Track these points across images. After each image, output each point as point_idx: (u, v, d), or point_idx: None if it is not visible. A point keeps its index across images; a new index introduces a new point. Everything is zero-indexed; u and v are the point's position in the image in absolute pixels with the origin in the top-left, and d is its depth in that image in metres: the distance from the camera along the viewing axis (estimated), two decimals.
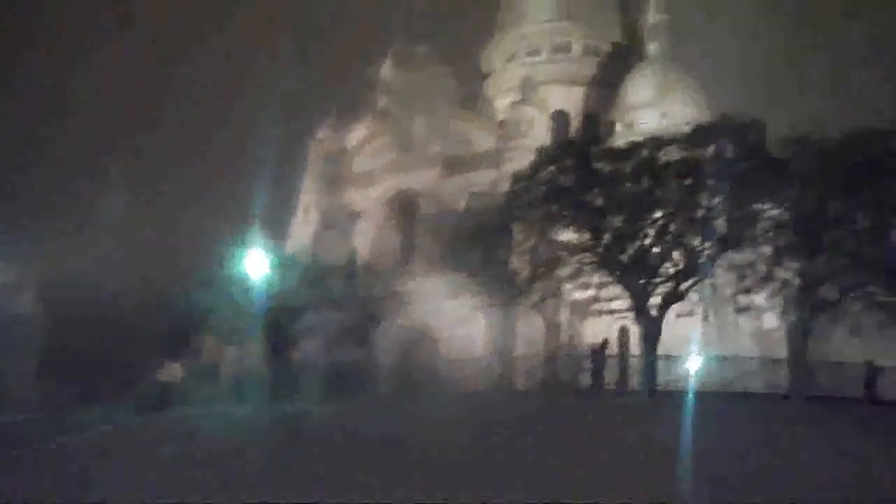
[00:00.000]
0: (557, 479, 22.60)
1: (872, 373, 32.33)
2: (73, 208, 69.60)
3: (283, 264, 41.80)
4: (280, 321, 41.28)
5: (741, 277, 32.97)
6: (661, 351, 33.89)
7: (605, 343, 36.50)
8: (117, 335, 49.01)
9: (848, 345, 34.29)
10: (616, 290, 36.49)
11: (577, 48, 65.07)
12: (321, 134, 62.62)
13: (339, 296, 46.26)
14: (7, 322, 57.96)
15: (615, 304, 39.43)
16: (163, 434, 35.51)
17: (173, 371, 49.90)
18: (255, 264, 37.12)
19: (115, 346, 50.08)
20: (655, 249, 33.66)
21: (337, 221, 59.01)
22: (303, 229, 58.87)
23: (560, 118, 61.04)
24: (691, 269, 33.20)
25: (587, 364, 42.85)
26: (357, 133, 63.24)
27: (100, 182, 71.69)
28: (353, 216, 59.12)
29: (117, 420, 39.98)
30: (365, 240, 57.35)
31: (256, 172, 50.66)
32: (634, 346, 41.37)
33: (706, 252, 32.85)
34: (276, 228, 54.81)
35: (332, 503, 22.25)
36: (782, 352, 41.03)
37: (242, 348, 48.32)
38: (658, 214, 33.51)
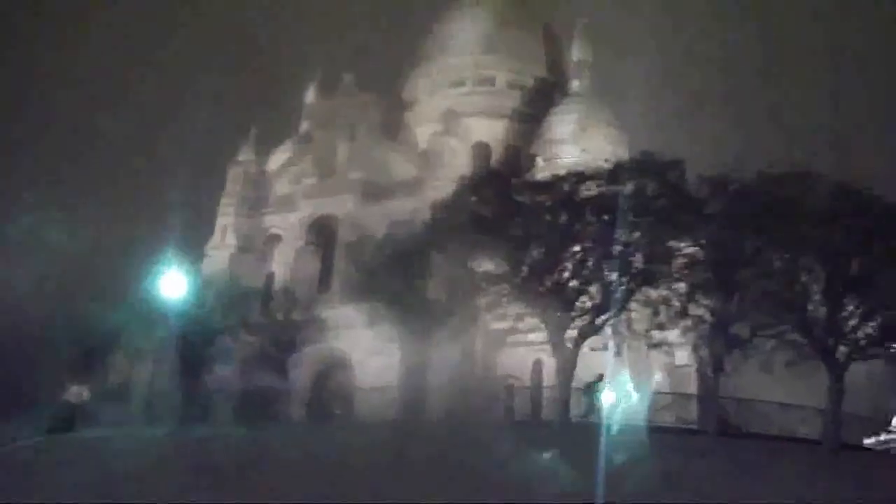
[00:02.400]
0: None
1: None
2: None
3: (199, 286, 41.30)
4: (193, 343, 40.65)
5: (655, 313, 33.33)
6: (574, 383, 34.10)
7: (600, 377, 36.36)
8: (24, 354, 47.79)
9: (758, 382, 34.85)
10: (533, 321, 36.66)
11: (501, 81, 65.50)
12: (241, 156, 62.09)
13: (254, 320, 45.82)
14: None
15: (532, 336, 39.65)
16: (66, 455, 34.71)
17: (80, 391, 48.78)
18: (170, 284, 36.62)
19: (21, 365, 48.82)
20: (573, 283, 33.94)
21: (255, 245, 58.52)
22: (219, 252, 58.08)
23: (482, 150, 61.22)
24: (607, 304, 33.50)
25: (502, 395, 43.26)
26: (278, 157, 62.95)
27: (9, 198, 70.14)
28: (272, 240, 58.69)
29: (21, 440, 38.96)
30: (283, 264, 56.90)
31: (173, 192, 50.07)
32: (548, 377, 41.74)
33: (622, 287, 33.19)
34: (192, 250, 54.04)
35: None
36: (693, 387, 41.85)
37: (154, 369, 47.54)
38: (576, 248, 33.84)
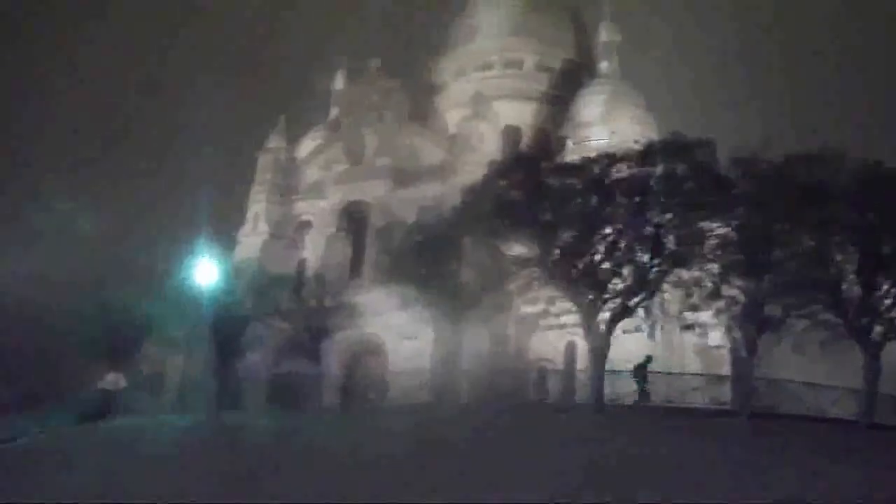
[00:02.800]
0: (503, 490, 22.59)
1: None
2: (15, 213, 68.56)
3: (231, 273, 41.52)
4: (226, 331, 40.86)
5: (688, 295, 33.17)
6: (607, 366, 34.07)
7: (648, 359, 36.47)
8: (59, 342, 48.22)
9: (791, 362, 34.70)
10: (565, 304, 36.61)
11: (529, 64, 65.26)
12: (271, 143, 62.33)
13: (286, 306, 46.01)
14: None
15: (564, 319, 39.64)
16: (101, 442, 35.03)
17: (116, 379, 49.20)
18: (203, 273, 36.90)
19: (56, 354, 49.29)
20: (605, 265, 33.83)
21: (286, 232, 58.81)
22: (251, 239, 58.43)
23: (511, 133, 61.19)
24: (639, 286, 33.39)
25: (534, 378, 43.33)
26: (307, 144, 63.16)
27: (44, 187, 70.78)
28: (303, 227, 58.95)
29: (56, 427, 39.36)
30: (314, 250, 57.17)
31: (204, 180, 50.34)
32: (581, 361, 41.76)
33: (654, 269, 33.09)
34: (225, 237, 54.38)
35: None
36: (726, 369, 41.67)
37: (187, 358, 47.89)
38: (608, 230, 33.70)
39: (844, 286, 30.96)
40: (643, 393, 35.99)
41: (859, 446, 26.83)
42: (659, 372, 37.47)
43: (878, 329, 30.96)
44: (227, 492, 25.20)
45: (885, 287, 30.90)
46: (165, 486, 26.73)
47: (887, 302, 30.92)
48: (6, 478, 31.14)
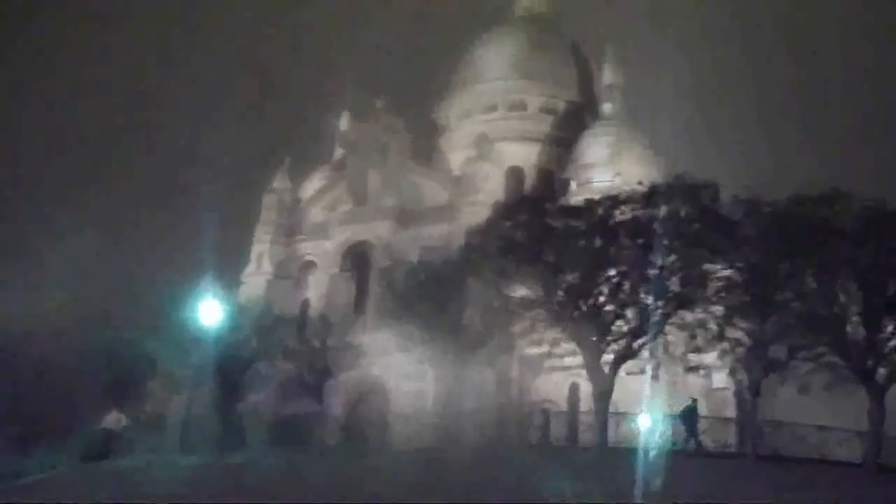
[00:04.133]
0: None
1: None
2: (19, 250, 68.72)
3: (235, 313, 41.52)
4: (230, 370, 40.82)
5: (692, 336, 33.11)
6: (611, 408, 33.97)
7: (694, 402, 35.88)
8: (61, 381, 48.20)
9: (796, 404, 34.57)
10: (569, 346, 36.54)
11: (532, 106, 65.73)
12: (276, 183, 62.62)
13: (290, 346, 45.98)
14: None
15: (567, 361, 39.54)
16: (103, 483, 34.86)
17: (118, 418, 49.02)
18: (206, 312, 36.85)
19: (58, 392, 49.22)
20: (608, 307, 33.81)
21: (290, 272, 58.95)
22: (255, 278, 58.61)
23: (515, 174, 61.58)
24: (643, 328, 33.34)
25: (538, 420, 43.14)
26: (312, 184, 63.47)
27: (49, 226, 70.99)
28: (307, 266, 59.08)
29: (58, 467, 39.22)
30: (318, 290, 57.30)
31: (208, 220, 50.46)
32: (585, 402, 41.59)
33: (658, 311, 33.04)
34: (229, 277, 54.48)
35: None
36: (731, 411, 41.50)
37: (191, 397, 47.74)
38: (612, 272, 33.71)
39: (849, 328, 30.87)
40: (696, 440, 34.70)
41: (864, 489, 26.72)
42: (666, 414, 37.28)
43: (882, 371, 30.85)
44: None
45: (890, 329, 30.81)
46: None
47: (892, 344, 30.80)
48: None
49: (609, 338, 33.94)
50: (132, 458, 39.10)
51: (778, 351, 32.06)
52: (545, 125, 65.05)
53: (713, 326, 32.55)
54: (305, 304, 57.18)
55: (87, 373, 44.75)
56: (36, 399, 51.29)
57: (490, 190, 54.15)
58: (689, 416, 35.04)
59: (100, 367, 43.98)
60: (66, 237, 65.02)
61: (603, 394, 33.37)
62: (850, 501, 23.95)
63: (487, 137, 58.84)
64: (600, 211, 34.32)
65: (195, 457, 37.47)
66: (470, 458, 33.32)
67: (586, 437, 36.43)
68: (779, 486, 25.56)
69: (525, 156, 63.03)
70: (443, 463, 32.13)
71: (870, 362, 30.69)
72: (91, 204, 79.54)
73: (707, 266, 32.50)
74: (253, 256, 60.02)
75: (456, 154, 62.32)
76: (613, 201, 34.33)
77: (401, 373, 47.18)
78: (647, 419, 36.50)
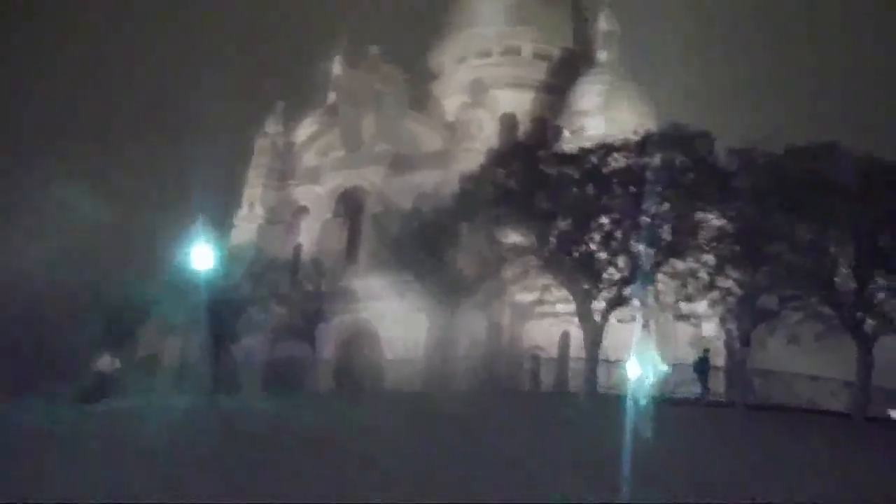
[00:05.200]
0: (493, 479, 22.71)
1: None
2: (15, 199, 68.57)
3: (227, 257, 41.57)
4: (223, 314, 40.92)
5: (683, 285, 33.27)
6: (601, 355, 34.19)
7: (706, 352, 35.76)
8: (55, 325, 48.34)
9: (785, 354, 34.82)
10: (560, 293, 36.69)
11: (527, 52, 65.24)
12: (268, 128, 62.34)
13: (283, 291, 46.08)
14: None
15: (559, 308, 39.71)
16: (99, 425, 35.10)
17: (111, 362, 49.24)
18: (199, 256, 36.89)
19: (52, 337, 49.39)
20: (600, 254, 33.91)
21: (282, 217, 58.90)
22: (247, 224, 58.54)
23: (509, 121, 61.24)
24: (634, 276, 33.46)
25: (528, 366, 43.49)
26: (305, 129, 63.14)
27: (44, 173, 70.69)
28: (299, 212, 59.01)
29: (53, 409, 39.43)
30: (310, 236, 57.26)
31: (201, 164, 50.28)
32: (575, 349, 41.87)
33: (650, 259, 33.15)
34: (221, 222, 54.45)
35: None
36: (720, 360, 41.80)
37: (183, 341, 47.99)
38: (604, 220, 33.79)
39: (839, 279, 31.06)
40: (706, 388, 34.83)
41: (850, 439, 27.02)
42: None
43: (871, 322, 31.08)
44: (225, 473, 25.32)
45: (880, 281, 31.00)
46: (163, 467, 26.84)
47: (881, 296, 31.03)
48: (5, 461, 31.23)
49: (600, 285, 34.09)
50: (126, 401, 39.35)
51: (768, 301, 32.27)
52: (539, 72, 64.60)
53: (704, 276, 32.74)
54: (298, 249, 57.17)
55: (81, 317, 44.79)
56: (31, 345, 51.48)
57: (483, 136, 53.93)
58: (701, 366, 35.15)
59: (92, 311, 44.06)
60: (60, 186, 64.73)
61: (594, 341, 33.58)
62: (838, 450, 24.18)
63: (482, 83, 58.46)
64: (593, 159, 34.33)
65: (188, 400, 37.73)
66: (460, 403, 33.63)
67: (576, 383, 36.66)
68: (766, 435, 25.83)
69: (519, 102, 62.67)
70: (433, 407, 32.41)
71: (859, 314, 30.92)
72: (84, 154, 79.12)
73: (699, 215, 32.58)
74: (245, 201, 59.90)
75: (450, 100, 61.97)
76: (607, 149, 34.34)
77: (393, 318, 47.28)
78: (637, 367, 36.76)
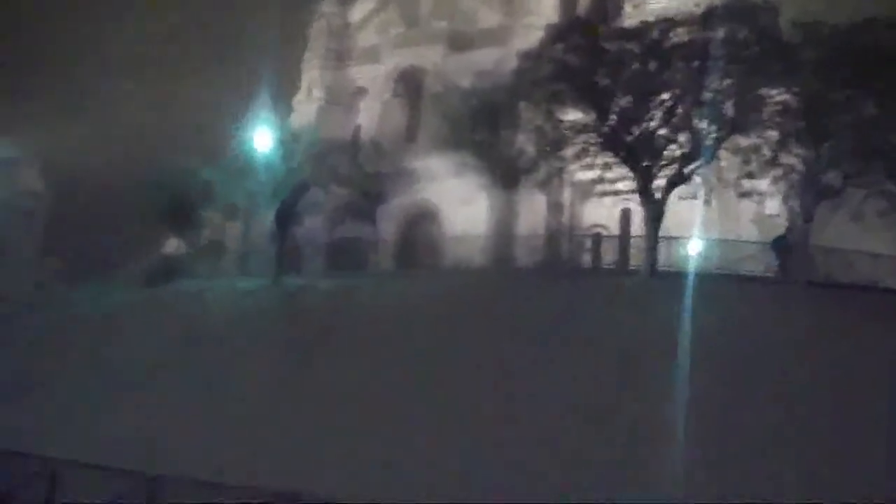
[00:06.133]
0: (558, 356, 23.11)
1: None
2: (76, 86, 69.14)
3: (288, 140, 41.82)
4: (284, 196, 41.36)
5: (745, 162, 32.82)
6: (662, 233, 34.11)
7: (788, 231, 35.88)
8: (121, 210, 49.20)
9: (847, 231, 34.44)
10: (620, 171, 36.39)
11: None
12: (324, 8, 61.77)
13: (343, 172, 46.34)
14: (9, 197, 58.23)
15: (619, 186, 39.48)
16: (171, 305, 36.09)
17: (177, 245, 50.27)
18: (260, 139, 37.24)
19: (119, 222, 50.36)
20: (661, 131, 33.46)
21: (341, 98, 58.78)
22: (306, 106, 58.55)
23: None
24: (696, 152, 33.08)
25: (589, 244, 43.60)
26: (361, 7, 62.41)
27: (101, 59, 71.13)
28: (358, 92, 58.83)
29: (123, 293, 40.53)
30: (369, 116, 57.18)
31: (259, 47, 50.20)
32: (636, 227, 41.81)
33: (712, 135, 32.71)
34: (280, 105, 54.53)
35: None
36: None
37: (246, 223, 48.71)
38: (665, 96, 33.21)
39: None
40: (784, 267, 34.69)
41: None
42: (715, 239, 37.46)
43: None
44: (292, 350, 26.06)
45: None
46: (235, 344, 27.67)
47: None
48: (82, 341, 32.39)
49: (661, 162, 33.75)
50: (192, 282, 40.29)
51: (832, 178, 31.83)
52: None
53: (767, 152, 32.26)
54: (357, 130, 57.19)
55: (146, 203, 45.52)
56: (99, 230, 52.54)
57: (543, 12, 52.94)
58: (780, 245, 35.01)
59: (157, 196, 44.74)
60: (121, 70, 65.18)
61: (654, 218, 33.46)
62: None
63: None
64: (655, 33, 33.56)
65: (253, 281, 38.52)
66: (521, 281, 33.93)
67: (637, 261, 36.70)
68: (826, 311, 25.80)
69: None
70: (495, 284, 32.76)
71: None
72: (145, 38, 79.16)
73: (763, 90, 31.93)
74: (303, 83, 59.82)
75: None
76: (669, 23, 33.55)
77: (453, 198, 47.37)
78: (698, 244, 36.72)
